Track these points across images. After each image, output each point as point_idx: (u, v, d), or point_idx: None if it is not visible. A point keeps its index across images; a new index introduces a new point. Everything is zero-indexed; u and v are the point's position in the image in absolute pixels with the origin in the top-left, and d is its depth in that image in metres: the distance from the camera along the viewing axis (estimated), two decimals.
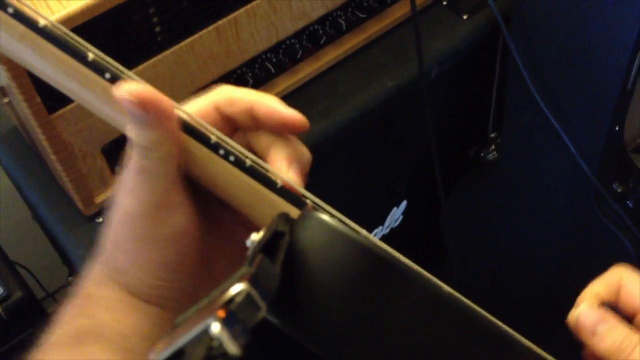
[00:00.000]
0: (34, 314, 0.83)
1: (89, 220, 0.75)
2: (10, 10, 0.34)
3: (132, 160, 0.36)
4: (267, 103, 0.39)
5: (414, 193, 1.07)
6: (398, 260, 0.32)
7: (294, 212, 0.36)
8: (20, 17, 0.35)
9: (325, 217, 0.33)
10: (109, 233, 0.38)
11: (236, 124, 0.40)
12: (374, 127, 0.91)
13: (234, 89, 0.40)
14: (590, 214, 0.93)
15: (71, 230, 0.75)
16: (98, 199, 0.73)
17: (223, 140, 0.37)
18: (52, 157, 0.66)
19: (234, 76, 0.76)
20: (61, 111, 0.64)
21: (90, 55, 0.35)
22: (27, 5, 0.35)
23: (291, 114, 0.39)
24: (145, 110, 0.35)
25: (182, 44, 0.68)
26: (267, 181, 0.37)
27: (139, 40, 0.66)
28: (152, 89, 0.35)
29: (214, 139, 0.37)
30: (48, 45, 0.35)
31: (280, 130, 0.39)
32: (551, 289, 1.07)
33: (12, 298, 0.78)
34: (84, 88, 0.36)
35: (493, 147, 1.07)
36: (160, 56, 0.67)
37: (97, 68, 0.36)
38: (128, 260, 0.38)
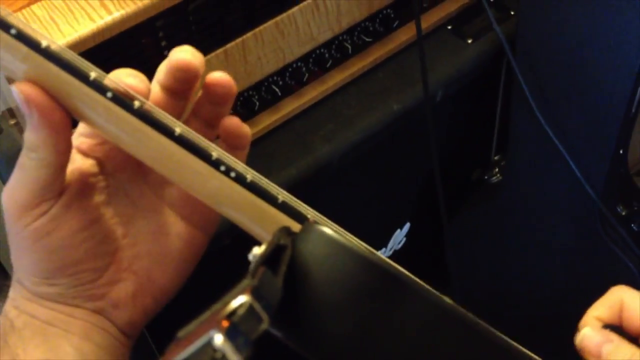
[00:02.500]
0: None
1: None
2: (13, 31, 0.35)
3: (17, 163, 0.38)
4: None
5: (418, 215, 1.07)
6: (401, 272, 0.33)
7: (296, 226, 0.37)
8: (23, 38, 0.35)
9: (327, 229, 0.33)
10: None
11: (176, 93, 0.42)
12: (379, 149, 0.91)
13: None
14: (595, 236, 0.93)
15: None
16: None
17: (225, 156, 0.37)
18: None
19: (241, 98, 0.77)
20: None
21: (93, 75, 0.36)
22: (29, 27, 0.36)
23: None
24: (30, 110, 0.36)
25: None
26: (268, 196, 0.37)
27: (148, 63, 0.66)
28: (45, 95, 0.36)
29: (214, 155, 0.37)
30: (51, 66, 0.35)
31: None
32: (555, 312, 1.06)
33: None
34: (86, 107, 0.36)
35: (497, 169, 1.08)
36: None
37: (99, 87, 0.36)
38: (13, 257, 0.40)
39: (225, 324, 0.26)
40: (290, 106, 0.81)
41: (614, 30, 0.75)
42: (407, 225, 1.07)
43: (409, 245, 1.09)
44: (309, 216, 0.37)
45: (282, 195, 0.37)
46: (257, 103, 0.77)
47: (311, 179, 0.80)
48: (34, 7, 0.61)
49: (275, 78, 0.78)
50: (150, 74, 0.67)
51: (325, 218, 0.38)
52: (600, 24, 0.75)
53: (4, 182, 0.87)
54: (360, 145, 0.83)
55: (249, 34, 0.71)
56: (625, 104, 0.79)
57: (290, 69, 0.79)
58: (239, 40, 0.71)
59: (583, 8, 0.76)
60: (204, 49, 0.69)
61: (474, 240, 1.12)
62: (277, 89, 0.79)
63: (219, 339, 0.26)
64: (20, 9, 0.61)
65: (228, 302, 0.28)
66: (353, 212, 0.97)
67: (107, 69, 0.64)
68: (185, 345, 0.26)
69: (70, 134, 0.39)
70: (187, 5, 0.65)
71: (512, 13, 0.92)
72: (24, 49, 0.35)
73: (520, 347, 0.34)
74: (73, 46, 0.59)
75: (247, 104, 0.77)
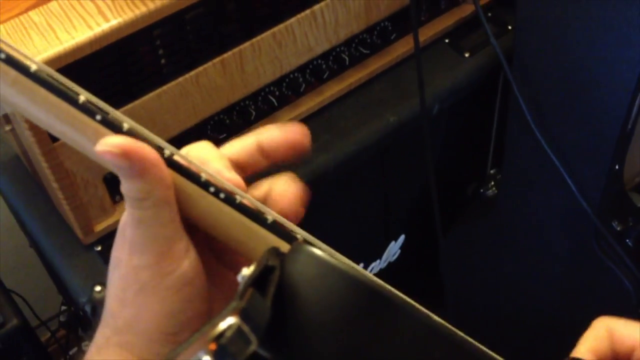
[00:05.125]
0: (27, 342, 0.82)
1: (88, 249, 0.74)
2: (2, 55, 0.35)
3: (128, 214, 0.36)
4: (268, 131, 0.40)
5: (413, 228, 1.07)
6: (390, 292, 0.32)
7: (285, 247, 0.36)
8: (12, 62, 0.35)
9: (315, 250, 0.33)
10: (113, 291, 0.38)
11: (244, 170, 0.40)
12: (375, 161, 0.91)
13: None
14: (590, 252, 0.93)
15: (69, 259, 0.74)
16: (97, 228, 0.73)
17: (213, 178, 0.37)
18: (54, 185, 0.66)
19: (237, 108, 0.77)
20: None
21: (81, 98, 0.36)
22: (18, 51, 0.35)
23: (292, 129, 0.39)
24: (130, 160, 0.35)
25: (186, 75, 0.69)
26: (257, 217, 0.37)
27: (145, 71, 0.66)
28: (131, 139, 0.35)
29: (204, 176, 0.37)
30: (40, 90, 0.35)
31: (290, 152, 0.39)
32: (549, 326, 1.06)
33: (7, 326, 0.77)
34: (75, 131, 0.36)
35: (492, 183, 1.08)
36: (165, 87, 0.68)
37: (87, 110, 0.36)
38: (132, 313, 0.37)
39: (213, 346, 0.26)
40: (286, 116, 0.81)
41: (610, 46, 0.75)
42: (402, 238, 1.07)
43: (404, 258, 1.09)
44: (298, 236, 0.37)
45: (272, 215, 0.37)
46: (254, 113, 0.77)
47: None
48: (32, 13, 0.61)
49: (272, 88, 0.78)
50: (145, 83, 0.68)
51: (315, 239, 0.38)
52: (597, 40, 0.76)
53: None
54: (356, 156, 0.83)
55: (247, 44, 0.71)
56: (622, 120, 0.79)
57: (287, 80, 0.79)
58: (236, 50, 0.71)
59: (580, 24, 0.77)
60: (201, 58, 0.70)
61: (469, 253, 1.12)
62: (273, 99, 0.79)
63: None
64: (18, 15, 0.61)
65: (216, 324, 0.28)
66: (348, 223, 0.97)
67: (104, 76, 0.64)
68: None
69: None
70: (185, 14, 0.65)
71: (510, 28, 0.92)
72: (12, 72, 0.35)
73: None
74: (70, 53, 0.59)
75: (243, 114, 0.77)
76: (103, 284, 0.73)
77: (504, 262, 1.07)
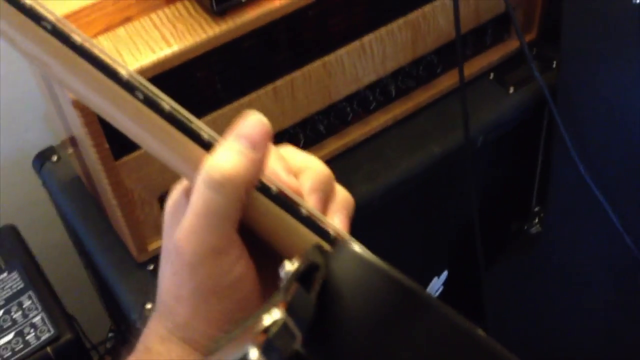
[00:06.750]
0: (80, 359, 0.84)
1: (141, 267, 0.77)
2: (47, 26, 0.35)
3: (199, 201, 0.35)
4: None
5: (456, 263, 1.07)
6: (435, 299, 0.32)
7: (313, 238, 0.36)
8: (56, 33, 0.35)
9: (361, 250, 0.32)
10: (167, 285, 0.37)
11: None
12: (419, 193, 0.92)
13: None
14: (635, 289, 0.91)
15: (123, 276, 0.77)
16: (151, 247, 0.76)
17: None
18: (113, 202, 0.70)
19: (287, 135, 0.79)
20: (126, 158, 0.67)
21: (124, 73, 0.36)
22: (64, 22, 0.36)
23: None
24: (262, 138, 0.35)
25: (240, 101, 0.72)
26: (292, 210, 0.36)
27: (201, 95, 0.70)
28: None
29: None
30: (82, 62, 0.35)
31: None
32: None
33: (61, 340, 0.80)
34: (114, 106, 0.36)
35: (537, 220, 1.07)
36: (220, 111, 0.71)
37: (128, 86, 0.36)
38: (189, 313, 0.37)
39: (260, 338, 0.26)
40: (333, 145, 0.84)
41: None
42: (445, 273, 1.07)
43: (447, 294, 1.08)
44: (330, 231, 0.36)
45: (305, 209, 0.37)
46: (302, 140, 0.80)
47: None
48: (101, 38, 0.65)
49: (320, 116, 0.81)
50: (202, 106, 0.71)
51: (349, 236, 0.37)
52: None
53: (58, 208, 0.91)
54: (400, 187, 0.85)
55: (298, 73, 0.75)
56: None
57: (335, 109, 0.82)
58: (288, 77, 0.74)
59: (624, 59, 0.78)
60: (254, 85, 0.73)
61: (513, 290, 1.11)
62: (322, 128, 0.82)
63: (254, 354, 0.25)
64: None
65: (262, 318, 0.27)
66: (390, 256, 0.96)
67: None
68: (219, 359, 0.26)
69: None
70: (241, 43, 0.69)
71: (555, 63, 0.94)
72: (56, 43, 0.35)
73: None
74: None
75: (292, 141, 0.80)
76: (154, 302, 0.75)
77: (547, 299, 1.06)
